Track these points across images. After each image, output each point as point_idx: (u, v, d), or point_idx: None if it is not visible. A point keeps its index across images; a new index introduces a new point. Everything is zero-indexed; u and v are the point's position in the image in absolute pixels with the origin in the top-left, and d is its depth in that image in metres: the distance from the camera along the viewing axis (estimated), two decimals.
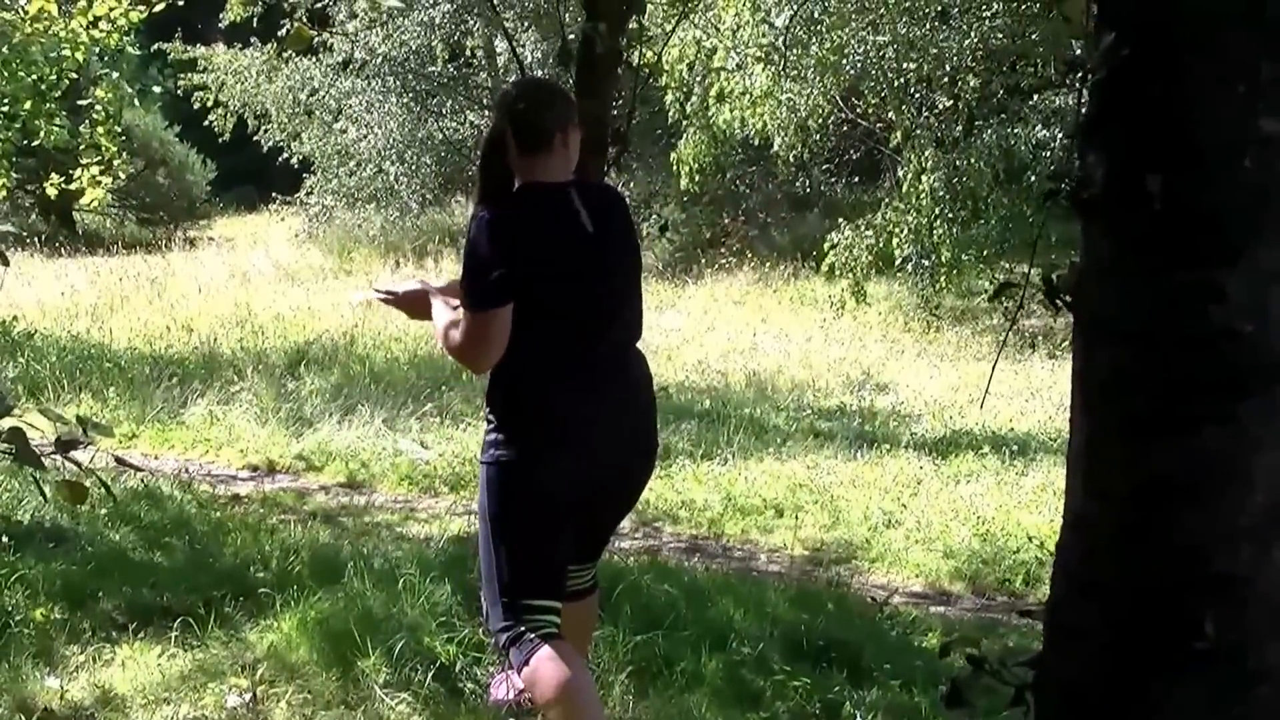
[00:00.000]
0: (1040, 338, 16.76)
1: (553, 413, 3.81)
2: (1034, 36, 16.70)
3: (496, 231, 3.75)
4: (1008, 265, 17.58)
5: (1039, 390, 13.36)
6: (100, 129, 12.30)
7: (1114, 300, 2.12)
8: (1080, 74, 2.43)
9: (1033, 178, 16.58)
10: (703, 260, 22.83)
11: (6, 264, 3.89)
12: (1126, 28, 2.07)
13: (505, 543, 3.81)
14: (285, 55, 24.86)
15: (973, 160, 16.84)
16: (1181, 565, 2.07)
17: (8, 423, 3.39)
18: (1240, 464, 2.04)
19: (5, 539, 6.11)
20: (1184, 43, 2.00)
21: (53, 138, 12.54)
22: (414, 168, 25.45)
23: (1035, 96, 17.30)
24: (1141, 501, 2.10)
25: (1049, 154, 16.59)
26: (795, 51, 17.08)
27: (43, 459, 3.43)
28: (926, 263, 17.58)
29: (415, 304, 4.22)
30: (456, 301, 3.96)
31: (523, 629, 3.76)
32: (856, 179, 25.00)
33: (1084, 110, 2.26)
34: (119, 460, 4.02)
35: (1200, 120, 2.00)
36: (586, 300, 3.81)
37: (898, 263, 17.90)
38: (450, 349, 3.89)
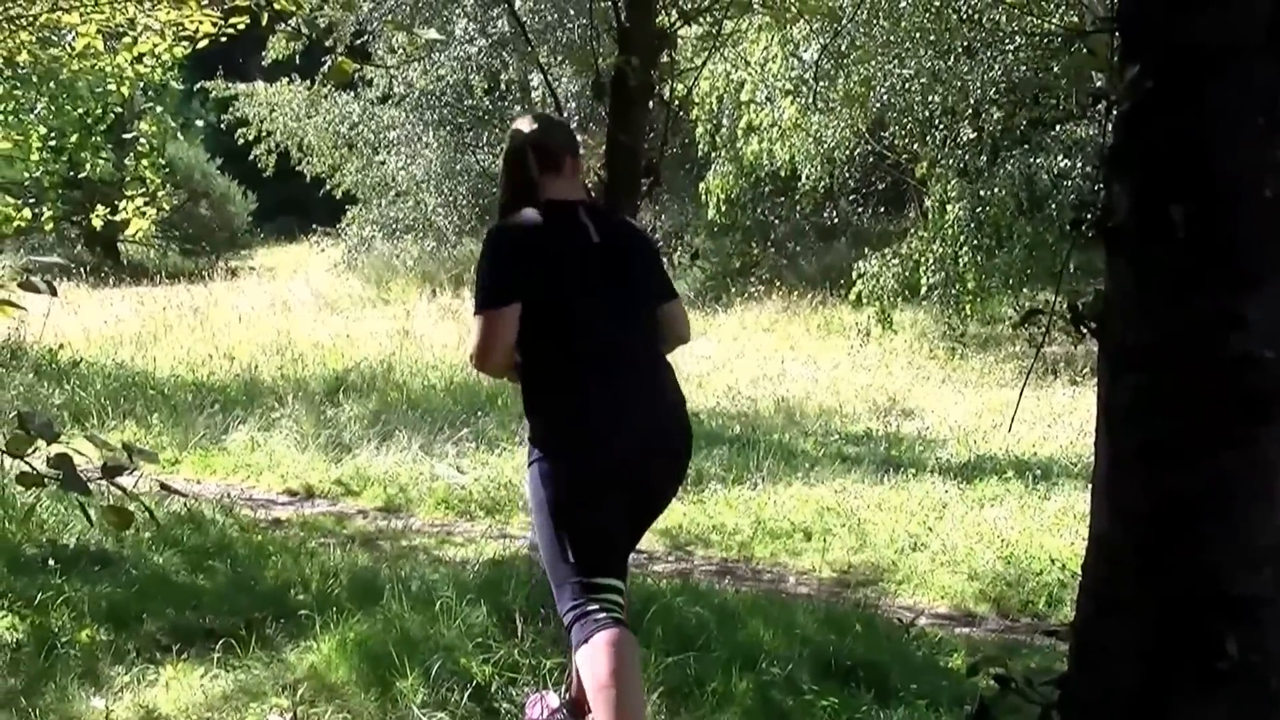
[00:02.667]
0: (1062, 364, 16.71)
1: (580, 408, 3.92)
2: (1056, 69, 16.77)
3: (504, 239, 3.99)
4: (1030, 293, 17.59)
5: (1061, 416, 13.34)
6: (144, 162, 12.41)
7: (1137, 326, 2.17)
8: (1104, 105, 2.47)
9: (1054, 207, 16.62)
10: (732, 289, 22.86)
11: (54, 293, 3.93)
12: (1150, 60, 2.12)
13: (561, 528, 3.88)
14: (325, 90, 25.08)
15: (996, 190, 16.91)
16: (1203, 586, 2.11)
17: (55, 449, 3.43)
18: (1260, 486, 2.09)
19: (52, 562, 6.19)
20: (1206, 74, 2.05)
21: (98, 170, 12.67)
22: (451, 199, 25.59)
23: (1057, 127, 17.33)
24: (1164, 523, 2.14)
25: (1070, 183, 16.63)
26: (823, 85, 17.16)
27: (89, 484, 3.47)
28: (954, 290, 17.61)
29: None
30: None
31: (589, 607, 3.81)
32: (883, 209, 25.02)
33: (1108, 141, 2.30)
34: (163, 485, 4.05)
35: (1221, 151, 2.06)
36: (598, 302, 3.97)
37: (923, 291, 17.92)
38: (470, 357, 4.04)
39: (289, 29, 8.16)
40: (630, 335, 4.05)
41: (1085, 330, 2.36)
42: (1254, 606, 2.10)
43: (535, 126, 4.19)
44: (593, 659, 3.73)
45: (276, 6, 6.38)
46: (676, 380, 4.19)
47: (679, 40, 6.73)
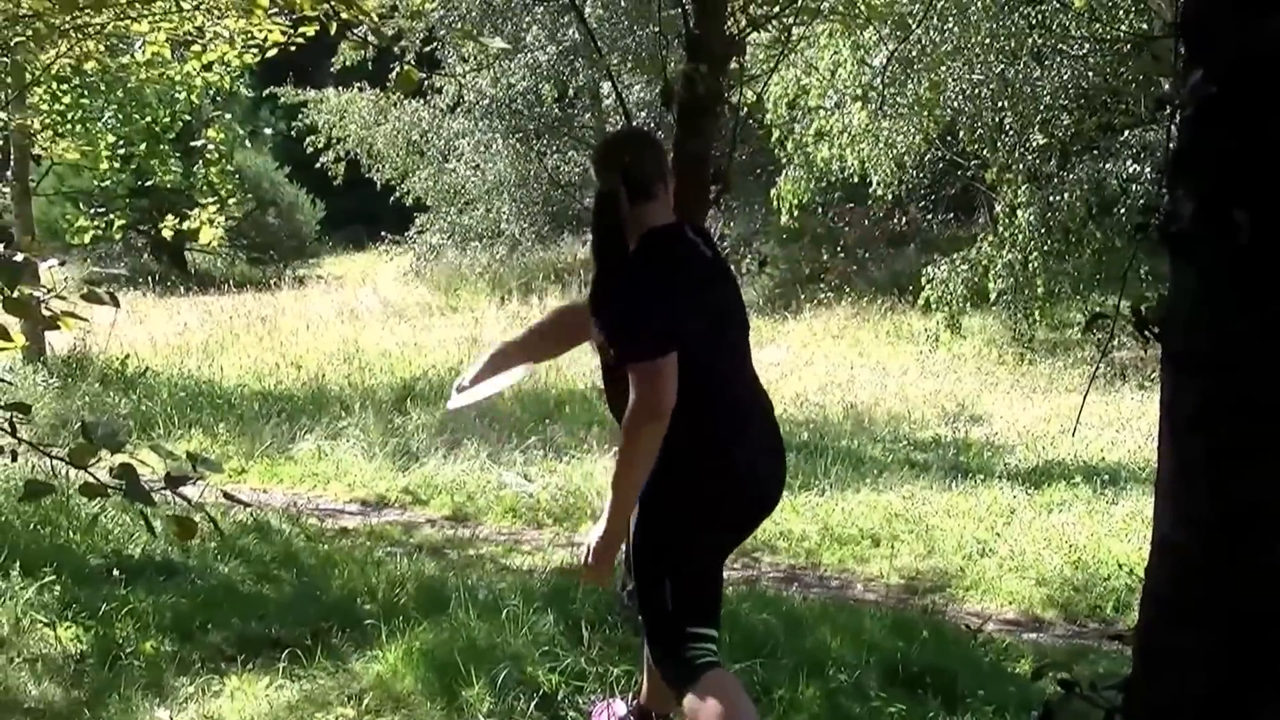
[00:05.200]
0: (1130, 369, 16.59)
1: (710, 448, 3.84)
2: (1125, 75, 16.68)
3: (650, 282, 3.80)
4: (1100, 298, 17.48)
5: (1129, 420, 13.23)
6: (213, 170, 12.51)
7: (1201, 332, 2.13)
8: (1170, 110, 2.44)
9: (1124, 212, 16.55)
10: (801, 295, 22.82)
11: (117, 305, 3.96)
12: (1213, 65, 2.09)
13: (669, 576, 3.82)
14: (395, 98, 25.23)
15: (1066, 195, 16.87)
16: (1270, 591, 2.07)
17: (118, 459, 3.45)
18: None
19: (117, 572, 6.24)
20: (1270, 78, 2.02)
21: (166, 179, 12.80)
22: (522, 206, 25.68)
23: (1126, 133, 17.24)
24: (1229, 528, 2.10)
25: (1139, 188, 16.54)
26: (892, 90, 17.11)
27: (153, 494, 3.49)
28: (1023, 295, 17.55)
29: (609, 549, 3.89)
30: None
31: (685, 657, 3.77)
32: (952, 215, 24.94)
33: (1173, 146, 2.27)
34: (227, 495, 4.06)
35: None
36: (726, 332, 3.94)
37: (992, 297, 17.87)
38: (637, 430, 3.65)
39: (357, 37, 8.18)
40: (751, 372, 4.05)
41: (1150, 335, 2.34)
42: None
43: (628, 158, 3.96)
44: (700, 710, 3.69)
45: (345, 15, 6.39)
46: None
47: (748, 46, 6.70)
